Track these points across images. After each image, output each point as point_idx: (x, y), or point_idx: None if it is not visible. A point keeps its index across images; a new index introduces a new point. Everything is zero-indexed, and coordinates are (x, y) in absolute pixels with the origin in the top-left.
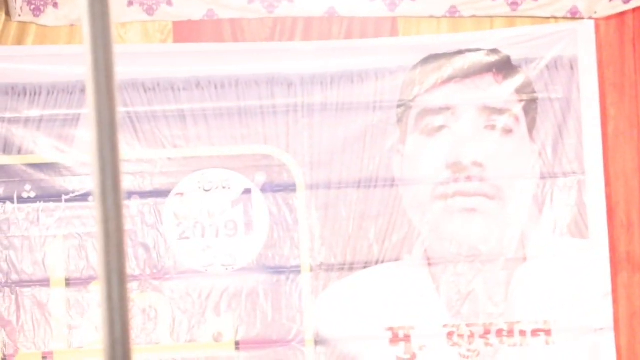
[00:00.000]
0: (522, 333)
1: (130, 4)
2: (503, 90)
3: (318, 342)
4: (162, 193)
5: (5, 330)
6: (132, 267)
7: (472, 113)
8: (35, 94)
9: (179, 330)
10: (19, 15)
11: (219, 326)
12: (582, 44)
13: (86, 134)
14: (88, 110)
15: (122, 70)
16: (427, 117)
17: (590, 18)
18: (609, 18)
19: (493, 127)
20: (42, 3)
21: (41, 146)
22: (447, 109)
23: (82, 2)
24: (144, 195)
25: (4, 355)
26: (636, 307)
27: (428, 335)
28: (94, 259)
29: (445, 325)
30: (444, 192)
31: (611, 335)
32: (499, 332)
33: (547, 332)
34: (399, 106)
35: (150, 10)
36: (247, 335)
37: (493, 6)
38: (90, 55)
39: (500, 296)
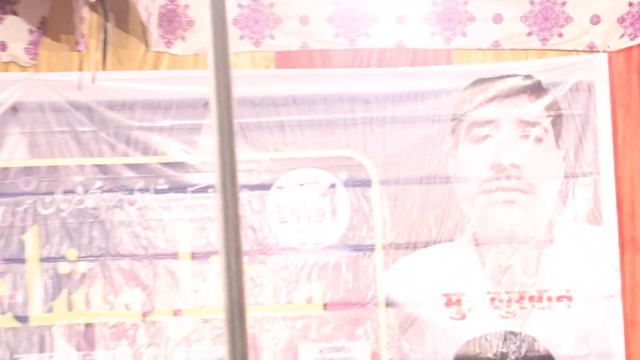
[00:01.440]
0: (549, 299)
1: (242, 37)
2: (535, 108)
3: (388, 304)
4: (266, 186)
5: (145, 292)
6: (243, 244)
7: (511, 125)
8: (167, 108)
9: (279, 294)
10: (155, 47)
11: (310, 291)
12: (597, 72)
13: (207, 140)
14: (211, 120)
15: (236, 90)
16: (475, 128)
17: (604, 51)
18: (619, 51)
19: (527, 137)
20: (173, 37)
21: (172, 149)
22: (491, 122)
23: (207, 37)
24: (252, 188)
25: (144, 312)
26: (637, 280)
27: (475, 300)
28: (213, 238)
29: (488, 292)
30: (488, 187)
31: (619, 301)
32: (531, 298)
33: (569, 298)
34: (452, 119)
35: (257, 43)
36: (332, 298)
37: (527, 41)
38: (213, 77)
39: (532, 270)
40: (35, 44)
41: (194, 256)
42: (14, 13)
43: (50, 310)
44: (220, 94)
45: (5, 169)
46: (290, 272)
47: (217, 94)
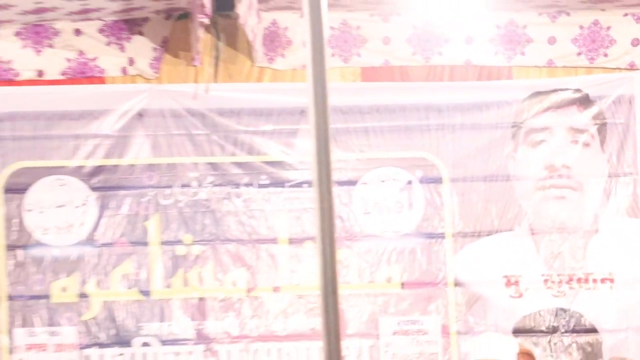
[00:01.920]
0: (594, 281)
1: (333, 55)
2: (583, 117)
3: (456, 284)
4: (353, 182)
5: (249, 271)
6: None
7: (562, 132)
8: (269, 114)
9: (363, 274)
10: (260, 63)
11: (389, 272)
12: (637, 86)
13: (302, 142)
14: (307, 126)
15: None
16: (532, 134)
17: None
18: None
19: (576, 142)
20: (274, 54)
21: (272, 150)
22: (546, 129)
23: (307, 54)
24: (341, 183)
25: (248, 288)
26: None
27: (531, 281)
28: (307, 226)
29: (542, 275)
30: (542, 185)
31: None
32: (579, 280)
33: (611, 280)
34: (512, 127)
35: (346, 60)
36: (408, 278)
37: (577, 60)
38: (311, 89)
39: (580, 255)
40: (158, 59)
41: (290, 241)
42: (141, 33)
43: (169, 286)
44: (318, 103)
45: (132, 165)
46: (373, 256)
47: (315, 103)
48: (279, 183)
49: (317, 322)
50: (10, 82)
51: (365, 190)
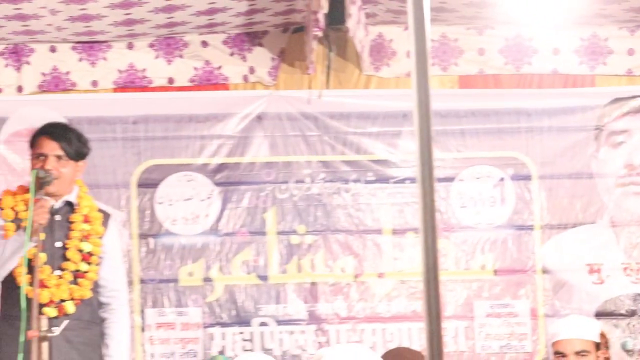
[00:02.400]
0: None
1: (433, 64)
2: None
3: (544, 271)
4: (450, 179)
5: (356, 259)
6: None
7: None
8: (375, 118)
9: (459, 262)
10: (367, 71)
11: (483, 260)
12: None
13: (405, 142)
14: (412, 128)
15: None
16: (613, 136)
17: None
18: None
19: None
20: (380, 64)
21: (378, 149)
22: (625, 131)
23: (411, 63)
24: (440, 180)
25: (355, 274)
26: None
27: (611, 269)
28: (409, 218)
29: (622, 263)
30: (622, 182)
31: None
32: None
33: None
34: (595, 129)
35: (444, 69)
36: (500, 266)
37: None
38: (415, 95)
39: None
40: (275, 68)
41: (394, 232)
42: (261, 45)
43: (284, 272)
44: (421, 108)
45: (252, 163)
46: (468, 245)
47: (418, 108)
48: (383, 179)
49: (418, 305)
50: (145, 89)
51: (461, 186)
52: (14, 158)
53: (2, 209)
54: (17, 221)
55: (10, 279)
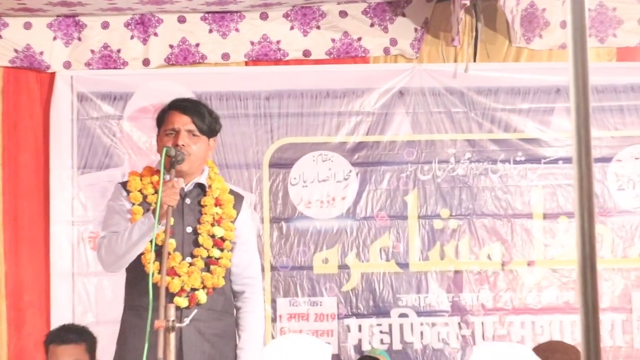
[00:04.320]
0: None
1: (589, 35)
2: None
3: None
4: (607, 159)
5: (504, 245)
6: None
7: None
8: (525, 93)
9: (616, 249)
10: (517, 43)
11: None
12: None
13: (558, 120)
14: (565, 104)
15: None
16: None
17: None
18: None
19: None
20: (532, 35)
21: (528, 127)
22: None
23: (568, 35)
24: (595, 160)
25: (503, 262)
26: None
27: None
28: (562, 201)
29: None
30: None
31: None
32: None
33: None
34: None
35: (602, 40)
36: None
37: None
38: (572, 68)
39: None
40: (419, 40)
41: (545, 216)
42: (403, 15)
43: (426, 259)
44: (578, 82)
45: (392, 142)
46: (627, 231)
47: (575, 82)
48: (534, 159)
49: (570, 296)
50: (278, 62)
51: (619, 167)
52: (139, 136)
53: (129, 192)
54: (145, 205)
55: (138, 266)
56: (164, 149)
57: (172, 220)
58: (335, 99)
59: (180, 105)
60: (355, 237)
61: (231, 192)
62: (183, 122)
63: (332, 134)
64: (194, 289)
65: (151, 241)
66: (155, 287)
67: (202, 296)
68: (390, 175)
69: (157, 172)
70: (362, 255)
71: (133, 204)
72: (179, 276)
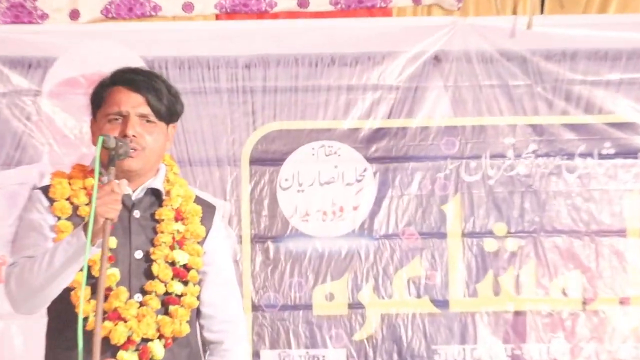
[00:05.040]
0: None
1: None
2: None
3: None
4: None
5: (585, 275)
6: None
7: None
8: (615, 59)
9: None
10: None
11: None
12: None
13: None
14: None
15: None
16: None
17: None
18: None
19: None
20: None
21: (620, 107)
22: None
23: None
24: None
25: (584, 299)
26: None
27: None
28: None
29: None
30: None
31: None
32: None
33: None
34: None
35: None
36: None
37: None
38: None
39: None
40: None
41: None
42: None
43: (473, 294)
44: None
45: (425, 128)
46: None
47: None
48: (629, 153)
49: None
50: (263, 15)
51: None
52: (65, 119)
53: (52, 201)
54: (77, 219)
55: (64, 306)
56: (100, 138)
57: (113, 242)
58: (343, 68)
59: (129, 79)
60: (372, 263)
61: (198, 200)
62: (133, 102)
63: (339, 117)
64: (145, 340)
65: (82, 270)
66: (89, 336)
67: (157, 350)
68: (422, 175)
69: (92, 172)
70: (383, 290)
71: (59, 218)
72: (125, 321)
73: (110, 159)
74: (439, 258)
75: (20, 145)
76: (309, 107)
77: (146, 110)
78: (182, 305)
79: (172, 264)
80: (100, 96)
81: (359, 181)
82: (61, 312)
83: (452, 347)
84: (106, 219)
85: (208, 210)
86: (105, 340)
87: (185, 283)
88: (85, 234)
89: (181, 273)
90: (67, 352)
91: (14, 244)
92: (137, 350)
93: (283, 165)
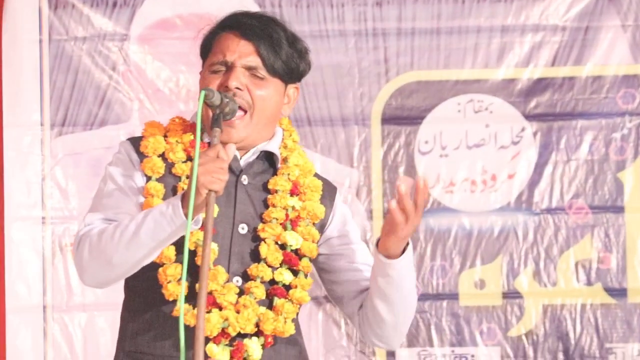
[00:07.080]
0: None
1: None
2: None
3: None
4: None
5: None
6: None
7: None
8: None
9: None
10: None
11: None
12: None
13: None
14: None
15: None
16: None
17: None
18: None
19: None
20: None
21: None
22: None
23: None
24: None
25: None
26: None
27: None
28: None
29: None
30: None
31: None
32: None
33: None
34: None
35: None
36: None
37: None
38: None
39: None
40: None
41: None
42: None
43: None
44: None
45: (598, 77)
46: None
47: None
48: None
49: None
50: None
51: None
52: (159, 70)
53: (143, 156)
54: (170, 180)
55: (146, 283)
56: (202, 93)
57: (215, 211)
58: (496, 4)
59: (239, 23)
60: (531, 243)
61: (317, 176)
62: (242, 51)
63: (491, 65)
64: (242, 335)
65: (176, 244)
66: (175, 324)
67: (254, 349)
68: (594, 136)
69: (193, 127)
70: (545, 275)
71: (149, 177)
72: (220, 308)
73: (215, 119)
74: (614, 237)
75: (105, 102)
76: (453, 53)
77: (255, 61)
78: (290, 300)
79: (283, 247)
80: (209, 44)
81: (515, 144)
82: (142, 290)
83: (631, 345)
84: (210, 190)
85: (329, 190)
86: (191, 328)
87: (295, 273)
88: (184, 206)
89: (293, 260)
90: (152, 342)
91: (93, 200)
92: (230, 345)
93: (422, 124)
